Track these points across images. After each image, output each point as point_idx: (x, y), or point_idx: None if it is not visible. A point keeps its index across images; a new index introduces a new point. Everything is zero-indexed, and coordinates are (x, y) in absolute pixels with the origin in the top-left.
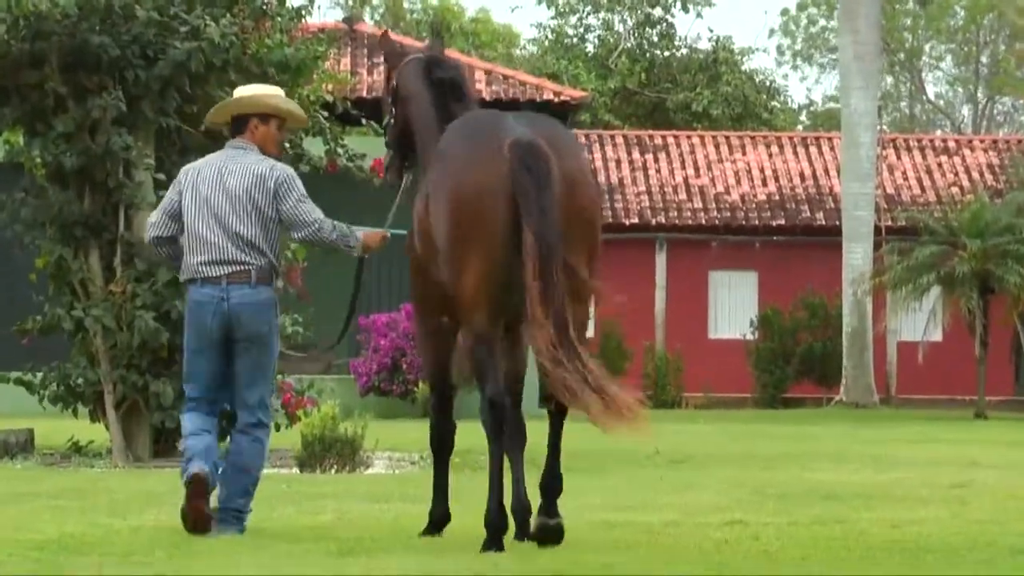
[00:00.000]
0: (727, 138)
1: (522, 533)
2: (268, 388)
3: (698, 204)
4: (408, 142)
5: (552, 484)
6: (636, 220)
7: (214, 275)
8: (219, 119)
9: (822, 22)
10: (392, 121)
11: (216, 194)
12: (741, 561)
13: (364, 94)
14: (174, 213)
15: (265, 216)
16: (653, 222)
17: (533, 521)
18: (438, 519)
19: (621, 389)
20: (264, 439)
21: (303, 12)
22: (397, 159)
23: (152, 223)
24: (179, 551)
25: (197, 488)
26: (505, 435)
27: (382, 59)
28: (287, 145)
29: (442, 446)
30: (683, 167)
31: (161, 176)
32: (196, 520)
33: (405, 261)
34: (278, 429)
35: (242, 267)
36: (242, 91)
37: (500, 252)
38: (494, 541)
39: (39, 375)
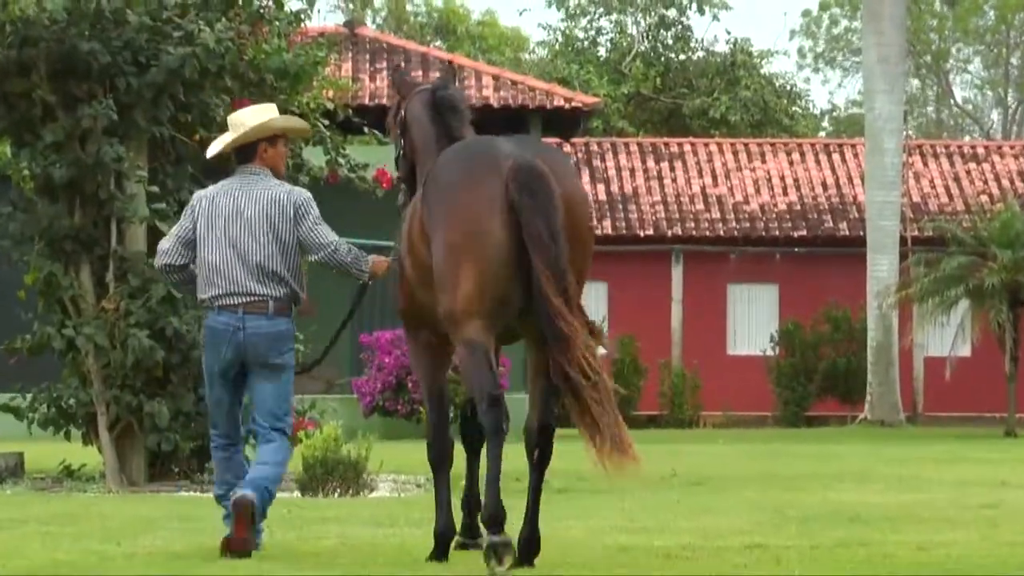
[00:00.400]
0: (746, 145)
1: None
2: (287, 404)
3: (716, 214)
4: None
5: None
6: (651, 231)
7: (230, 304)
8: (227, 151)
9: (845, 23)
10: (402, 154)
11: (234, 223)
12: None
13: (366, 101)
14: (187, 241)
15: (284, 243)
16: (669, 233)
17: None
18: (442, 534)
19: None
20: (282, 440)
21: (302, 16)
22: (409, 196)
23: (163, 250)
24: None
25: (242, 515)
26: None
27: (393, 88)
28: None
29: (442, 460)
30: (700, 176)
31: (155, 188)
32: (239, 550)
33: None
34: None
35: (259, 298)
36: (242, 117)
37: (497, 268)
38: (497, 534)
39: (28, 397)
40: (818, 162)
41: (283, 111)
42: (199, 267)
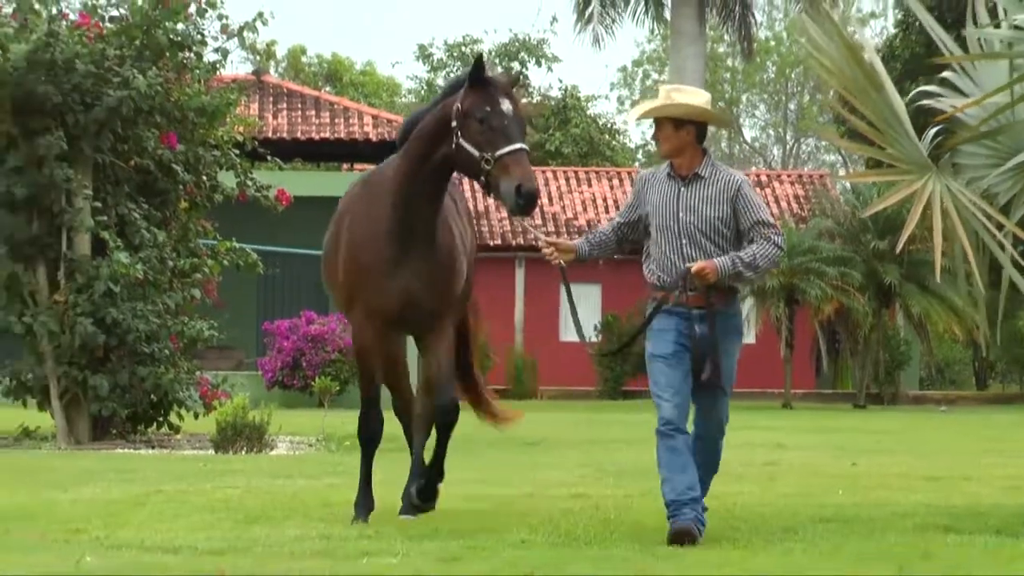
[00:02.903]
0: (575, 172)
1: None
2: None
3: (551, 228)
4: None
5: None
6: (499, 242)
7: None
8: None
9: (655, 76)
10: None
11: None
12: (583, 527)
13: (270, 135)
14: None
15: None
16: (513, 243)
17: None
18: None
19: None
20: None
21: (217, 65)
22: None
23: None
24: (113, 520)
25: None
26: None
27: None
28: (204, 178)
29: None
30: (538, 197)
31: (97, 204)
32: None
33: (300, 276)
34: (196, 417)
35: None
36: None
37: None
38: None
39: None
40: (633, 186)
41: (201, 143)
42: None
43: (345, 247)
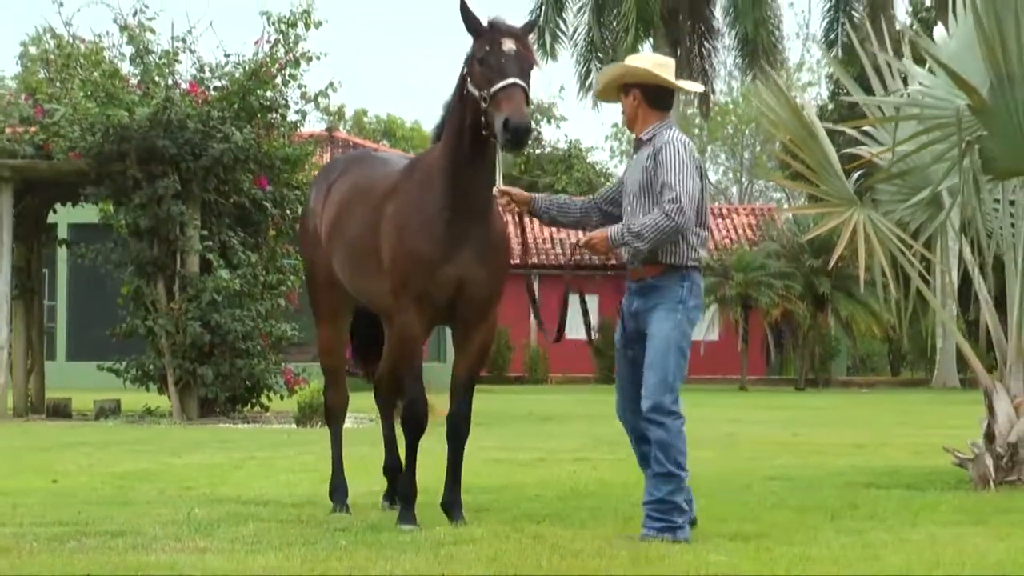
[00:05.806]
0: None
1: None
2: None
3: (559, 250)
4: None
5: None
6: (517, 261)
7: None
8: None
9: None
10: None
11: None
12: (584, 484)
13: None
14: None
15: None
16: (528, 262)
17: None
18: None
19: None
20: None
21: (298, 124)
22: None
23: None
24: (216, 479)
25: None
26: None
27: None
28: (288, 211)
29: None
30: (549, 225)
31: (204, 232)
32: None
33: None
34: (282, 399)
35: None
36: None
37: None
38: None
39: (123, 363)
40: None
41: (285, 185)
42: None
43: (395, 235)
